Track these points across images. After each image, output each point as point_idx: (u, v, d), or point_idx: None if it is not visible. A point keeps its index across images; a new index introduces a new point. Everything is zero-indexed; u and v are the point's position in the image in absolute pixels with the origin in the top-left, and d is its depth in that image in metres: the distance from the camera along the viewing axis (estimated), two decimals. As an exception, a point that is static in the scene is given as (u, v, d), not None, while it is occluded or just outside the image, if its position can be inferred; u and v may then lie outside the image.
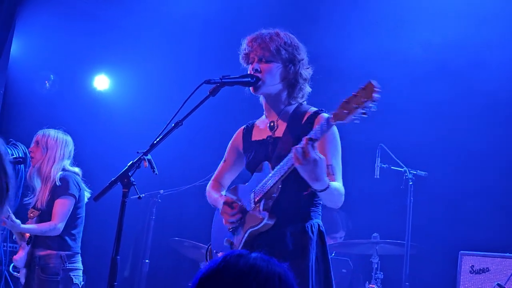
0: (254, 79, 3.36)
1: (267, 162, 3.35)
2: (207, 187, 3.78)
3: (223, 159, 3.78)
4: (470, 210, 6.63)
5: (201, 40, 8.03)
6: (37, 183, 5.30)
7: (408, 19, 7.11)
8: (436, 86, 7.06)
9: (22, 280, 5.21)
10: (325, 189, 3.05)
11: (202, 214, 7.56)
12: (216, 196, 3.63)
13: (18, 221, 5.04)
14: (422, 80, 7.15)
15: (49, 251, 5.16)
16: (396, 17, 7.17)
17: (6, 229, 5.39)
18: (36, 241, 5.19)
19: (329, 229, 6.86)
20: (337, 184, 3.21)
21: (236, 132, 3.73)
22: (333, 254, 6.56)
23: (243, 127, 3.71)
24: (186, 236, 6.82)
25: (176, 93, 6.58)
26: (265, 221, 3.23)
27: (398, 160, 6.24)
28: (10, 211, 5.03)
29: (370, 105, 2.75)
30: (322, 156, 2.95)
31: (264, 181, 3.27)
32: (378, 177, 6.22)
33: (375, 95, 2.74)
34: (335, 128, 3.28)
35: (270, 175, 3.23)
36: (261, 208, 3.27)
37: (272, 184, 3.20)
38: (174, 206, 7.73)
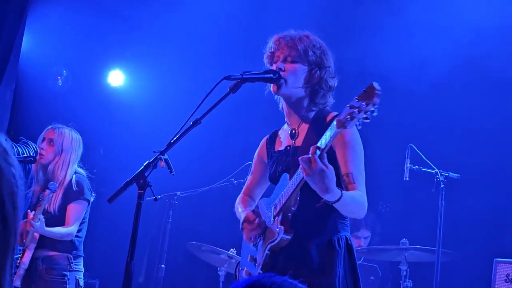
0: (277, 75, 3.34)
1: (286, 173, 3.35)
2: (236, 202, 3.80)
3: (251, 171, 3.81)
4: (506, 214, 6.58)
5: (221, 35, 8.03)
6: (43, 184, 5.36)
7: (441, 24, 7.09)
8: (470, 85, 7.02)
9: (17, 282, 5.24)
10: (337, 200, 3.01)
11: (221, 217, 7.63)
12: (240, 211, 3.64)
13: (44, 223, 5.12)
14: (454, 77, 7.10)
15: (55, 252, 5.24)
16: (429, 21, 7.15)
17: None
18: (42, 242, 5.23)
19: (351, 227, 6.87)
20: (355, 193, 3.17)
21: (261, 143, 3.74)
22: (360, 260, 6.54)
23: (266, 137, 3.72)
24: (204, 240, 6.82)
25: (195, 90, 6.59)
26: (280, 235, 3.23)
27: (428, 161, 6.19)
28: (40, 213, 5.08)
29: (372, 109, 2.71)
30: (330, 165, 2.90)
31: (282, 193, 3.26)
32: (407, 179, 6.18)
33: (376, 99, 2.69)
34: (355, 132, 3.26)
35: (287, 187, 3.22)
36: (278, 222, 3.26)
37: (287, 197, 3.19)
38: (192, 208, 7.74)
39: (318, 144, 2.90)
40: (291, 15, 7.27)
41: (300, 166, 2.93)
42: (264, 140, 3.72)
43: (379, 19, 7.28)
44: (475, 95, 6.96)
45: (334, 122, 2.83)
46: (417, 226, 6.64)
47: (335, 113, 3.36)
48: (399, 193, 6.91)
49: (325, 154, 2.90)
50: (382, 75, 6.87)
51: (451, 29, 7.05)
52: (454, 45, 7.01)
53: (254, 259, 3.46)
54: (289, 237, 3.23)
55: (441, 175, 6.08)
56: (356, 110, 2.72)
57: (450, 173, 6.14)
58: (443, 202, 6.00)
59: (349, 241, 3.31)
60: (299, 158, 2.93)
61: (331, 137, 2.85)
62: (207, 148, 7.81)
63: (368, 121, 2.74)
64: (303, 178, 3.00)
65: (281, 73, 3.35)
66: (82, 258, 5.38)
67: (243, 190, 3.84)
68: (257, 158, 3.74)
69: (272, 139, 3.65)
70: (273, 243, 3.27)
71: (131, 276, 3.03)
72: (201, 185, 7.16)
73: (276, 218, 3.28)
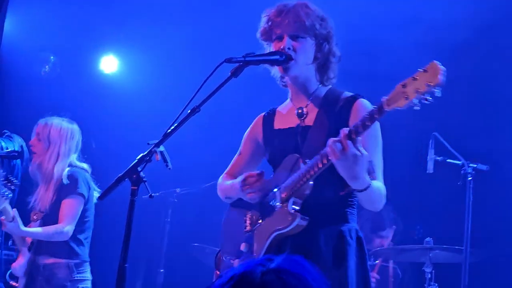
0: (284, 57, 3.32)
1: (296, 154, 3.32)
2: (219, 180, 3.76)
3: (238, 151, 3.78)
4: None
5: (220, 17, 8.00)
6: (39, 182, 5.33)
7: None
8: (496, 66, 6.99)
9: None
10: (365, 189, 3.02)
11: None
12: (229, 182, 3.59)
13: (21, 223, 5.05)
14: (481, 59, 7.07)
15: (55, 259, 5.19)
16: None
17: (1, 234, 5.41)
18: (39, 247, 5.20)
19: (375, 226, 6.85)
20: (379, 183, 3.19)
21: (255, 120, 3.72)
22: (377, 260, 6.53)
23: (262, 114, 3.70)
24: (207, 242, 6.82)
25: (194, 75, 6.56)
26: (297, 221, 3.20)
27: (455, 152, 6.15)
28: (14, 212, 5.03)
29: (435, 89, 2.69)
30: (364, 151, 2.91)
31: (293, 176, 3.23)
32: (431, 172, 6.15)
33: (441, 78, 2.68)
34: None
35: (302, 170, 3.19)
36: (290, 207, 3.23)
37: (303, 181, 3.17)
38: (193, 207, 7.74)
39: (352, 128, 2.89)
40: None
41: (328, 149, 2.91)
42: (259, 118, 3.69)
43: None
44: (506, 77, 6.92)
45: (383, 102, 2.79)
46: (443, 223, 6.64)
47: (349, 93, 3.39)
48: (422, 187, 6.89)
49: (359, 138, 2.89)
50: (398, 55, 6.86)
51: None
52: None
53: (249, 247, 3.42)
54: (305, 223, 3.21)
55: (469, 166, 6.04)
56: (415, 90, 2.69)
57: (479, 164, 6.11)
58: (471, 196, 5.96)
59: (359, 233, 3.32)
60: (329, 140, 2.91)
61: (368, 120, 2.84)
62: (210, 139, 7.80)
63: (428, 101, 2.72)
64: (325, 163, 3.00)
65: (291, 52, 3.33)
66: (87, 263, 5.32)
67: (226, 170, 3.80)
68: (249, 136, 3.71)
69: (271, 116, 3.63)
70: (282, 231, 3.24)
71: (124, 280, 3.01)
72: (203, 181, 7.15)
73: (286, 202, 3.26)
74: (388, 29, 7.12)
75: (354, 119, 3.22)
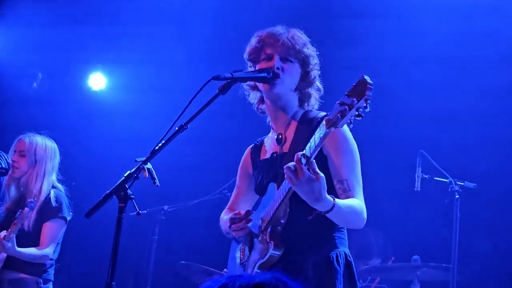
0: (272, 74, 3.32)
1: (273, 183, 3.33)
2: (220, 216, 3.76)
3: (236, 185, 3.79)
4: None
5: (207, 34, 8.02)
6: (17, 198, 5.32)
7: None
8: (483, 84, 7.03)
9: None
10: (330, 210, 2.97)
11: (213, 233, 7.54)
12: (226, 218, 3.58)
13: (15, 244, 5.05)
14: (468, 75, 7.12)
15: (23, 275, 5.18)
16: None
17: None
18: (10, 263, 5.16)
19: (361, 253, 6.83)
20: (351, 201, 3.14)
21: (245, 153, 3.73)
22: (367, 281, 6.51)
23: (251, 146, 3.72)
24: (194, 260, 6.79)
25: (182, 93, 6.58)
26: (270, 251, 3.19)
27: (442, 170, 6.18)
28: (14, 233, 5.01)
29: (364, 104, 2.65)
30: (319, 173, 2.86)
31: (270, 205, 3.24)
32: (419, 189, 6.17)
33: (368, 93, 2.64)
34: (348, 134, 3.25)
35: (275, 198, 3.19)
36: (267, 236, 3.24)
37: (275, 209, 3.17)
38: (181, 224, 7.71)
39: (305, 151, 2.86)
40: (278, 12, 7.30)
41: (285, 176, 2.90)
42: (248, 150, 3.71)
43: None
44: (492, 94, 6.96)
45: (323, 122, 2.78)
46: (430, 241, 6.63)
47: (323, 113, 3.35)
48: (409, 204, 6.89)
49: (313, 161, 2.86)
50: (384, 72, 6.90)
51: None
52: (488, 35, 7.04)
53: None
54: (279, 252, 3.19)
55: (456, 184, 6.08)
56: (346, 107, 2.67)
57: (466, 182, 6.13)
58: (458, 214, 5.99)
59: (348, 257, 3.28)
60: (284, 167, 2.89)
61: (320, 138, 2.80)
62: (197, 156, 7.79)
63: (360, 118, 2.69)
64: (291, 187, 2.98)
65: (278, 71, 3.34)
66: (51, 282, 5.33)
67: (228, 205, 3.80)
68: (242, 169, 3.73)
69: (257, 148, 3.64)
70: (262, 260, 3.23)
71: (112, 298, 2.99)
72: (191, 198, 7.14)
73: (265, 232, 3.25)
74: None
75: (327, 142, 3.09)
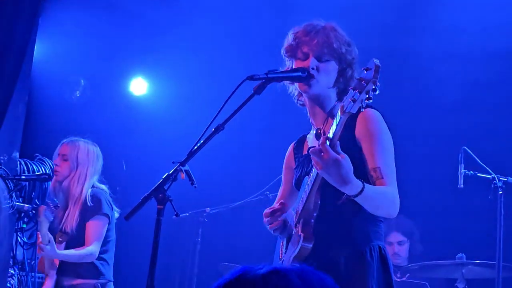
0: (306, 73, 3.31)
1: (306, 177, 3.32)
2: None
3: (281, 182, 3.79)
4: None
5: (245, 37, 8.03)
6: (64, 203, 5.37)
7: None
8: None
9: None
10: (359, 193, 2.96)
11: (255, 235, 7.57)
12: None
13: (55, 247, 5.08)
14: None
15: (80, 280, 5.21)
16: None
17: (34, 257, 5.43)
18: (64, 268, 5.21)
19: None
20: (383, 188, 3.13)
21: (288, 149, 3.74)
22: (405, 277, 6.47)
23: (294, 142, 3.72)
24: (237, 261, 6.81)
25: (221, 96, 6.60)
26: (300, 243, 3.19)
27: (485, 166, 6.09)
28: (51, 235, 5.07)
29: (373, 87, 2.72)
30: (344, 154, 2.89)
31: (301, 197, 3.25)
32: (462, 186, 6.09)
33: (376, 75, 2.71)
34: (381, 122, 3.25)
35: (305, 189, 3.21)
36: (299, 229, 3.24)
37: (305, 200, 3.18)
38: (223, 226, 7.73)
39: (328, 134, 2.91)
40: (314, 11, 7.26)
41: (312, 161, 2.91)
42: (291, 146, 3.72)
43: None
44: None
45: (339, 109, 2.86)
46: (475, 238, 6.55)
47: None
48: (453, 202, 6.81)
49: (338, 142, 2.89)
50: (427, 67, 6.85)
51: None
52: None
53: None
54: (310, 245, 3.19)
55: (499, 180, 5.98)
56: (357, 91, 2.74)
57: (509, 177, 6.05)
58: (502, 210, 5.90)
59: (383, 251, 3.26)
60: (310, 151, 2.92)
61: (337, 125, 2.86)
62: (239, 158, 7.80)
63: (371, 101, 2.76)
64: (318, 173, 2.99)
65: (313, 72, 3.32)
66: (112, 283, 5.34)
67: (275, 201, 3.81)
68: (286, 166, 3.73)
69: (300, 143, 3.65)
70: (294, 254, 3.23)
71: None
72: (233, 200, 7.15)
73: (298, 225, 3.26)
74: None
75: (359, 130, 3.23)
